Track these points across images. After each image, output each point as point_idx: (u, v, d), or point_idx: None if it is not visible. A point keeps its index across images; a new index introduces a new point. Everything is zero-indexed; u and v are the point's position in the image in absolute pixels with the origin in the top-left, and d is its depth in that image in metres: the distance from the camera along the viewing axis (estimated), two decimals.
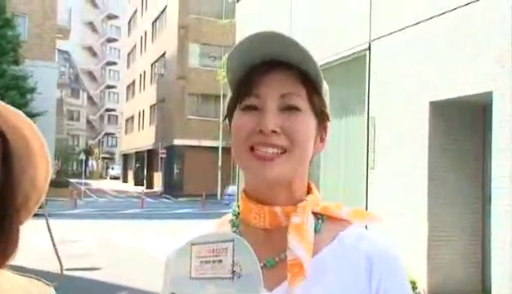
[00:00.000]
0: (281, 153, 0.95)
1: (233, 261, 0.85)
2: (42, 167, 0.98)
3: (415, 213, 7.07)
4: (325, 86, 1.02)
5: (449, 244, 6.97)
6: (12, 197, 0.96)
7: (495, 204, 6.06)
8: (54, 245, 1.29)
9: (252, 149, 0.94)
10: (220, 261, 0.86)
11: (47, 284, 1.17)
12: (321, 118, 1.01)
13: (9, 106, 0.89)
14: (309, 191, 1.02)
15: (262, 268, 0.88)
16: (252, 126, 0.94)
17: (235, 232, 1.01)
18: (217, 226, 1.08)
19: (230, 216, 1.06)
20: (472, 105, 7.01)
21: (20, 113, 0.90)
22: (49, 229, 1.25)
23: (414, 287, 6.65)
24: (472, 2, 6.41)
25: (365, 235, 0.98)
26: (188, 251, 0.89)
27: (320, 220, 1.00)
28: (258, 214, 0.98)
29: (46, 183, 1.00)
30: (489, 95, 6.08)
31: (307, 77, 0.96)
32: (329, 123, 1.04)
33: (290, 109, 0.95)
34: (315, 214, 0.99)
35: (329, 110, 1.03)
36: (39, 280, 1.13)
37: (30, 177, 0.98)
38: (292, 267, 0.92)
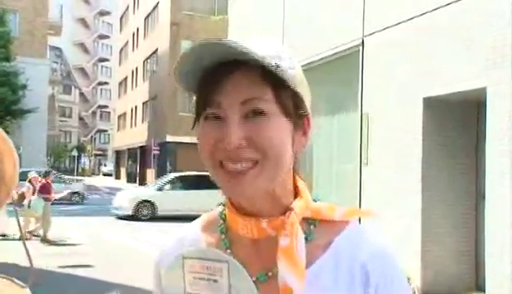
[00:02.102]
0: (253, 165, 0.87)
1: (229, 284, 0.84)
2: (9, 163, 1.00)
3: (409, 209, 7.05)
4: (299, 77, 0.92)
5: (442, 241, 6.97)
6: None
7: (488, 201, 6.04)
8: (23, 239, 1.28)
9: (221, 163, 0.87)
10: (215, 281, 0.85)
11: (20, 286, 1.15)
12: (297, 115, 0.91)
13: None
14: (297, 193, 0.95)
15: (254, 282, 0.86)
16: (216, 138, 0.86)
17: (223, 240, 0.97)
18: (204, 229, 1.02)
19: (215, 217, 1.01)
20: (465, 101, 7.00)
21: None
22: (18, 224, 1.25)
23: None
24: None
25: (360, 241, 0.93)
26: (180, 265, 0.88)
27: (312, 226, 0.94)
28: (245, 225, 0.92)
29: (14, 178, 1.03)
30: (483, 91, 6.06)
31: (271, 76, 0.85)
32: (309, 115, 0.94)
33: (255, 115, 0.86)
34: (306, 219, 0.94)
35: (308, 100, 0.94)
36: (12, 281, 1.11)
37: None
38: (284, 292, 0.87)
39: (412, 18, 7.28)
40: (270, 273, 0.91)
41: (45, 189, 12.68)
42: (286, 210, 0.91)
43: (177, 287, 0.88)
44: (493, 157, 5.96)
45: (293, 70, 0.89)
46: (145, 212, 18.12)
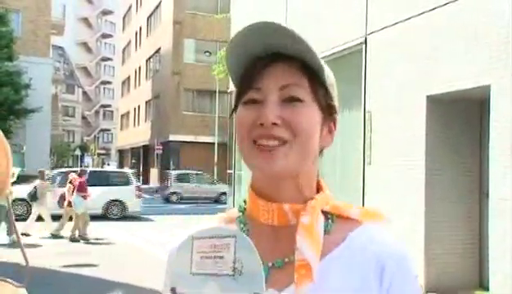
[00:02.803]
0: (283, 144, 0.92)
1: (235, 258, 0.84)
2: (2, 164, 1.02)
3: (412, 208, 7.05)
4: (331, 78, 0.99)
5: (445, 239, 6.96)
6: None
7: (491, 199, 6.04)
8: (19, 239, 1.30)
9: (255, 142, 0.92)
10: (221, 257, 0.86)
11: (16, 286, 1.16)
12: (328, 111, 0.98)
13: None
14: (319, 189, 1.00)
15: (270, 268, 0.92)
16: (253, 119, 0.92)
17: (242, 229, 1.00)
18: (224, 223, 1.05)
19: (236, 212, 1.05)
20: (468, 99, 6.98)
21: None
22: (14, 224, 1.27)
23: None
24: None
25: (375, 237, 0.96)
26: (189, 246, 0.89)
27: (330, 220, 0.98)
28: (267, 211, 0.96)
29: (7, 177, 1.06)
30: (486, 88, 6.05)
31: (309, 69, 0.93)
32: (338, 116, 1.01)
33: (292, 100, 0.93)
34: (325, 213, 0.97)
35: (337, 103, 1.00)
36: (5, 281, 1.12)
37: None
38: (299, 268, 0.90)
39: (415, 16, 7.26)
40: (286, 260, 0.94)
41: (82, 188, 13.07)
42: (308, 200, 0.95)
43: (184, 269, 0.89)
44: (496, 155, 5.95)
45: (326, 70, 0.96)
46: None
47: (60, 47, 55.71)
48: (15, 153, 30.45)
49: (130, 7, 49.84)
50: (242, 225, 1.01)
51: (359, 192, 8.33)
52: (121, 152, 54.06)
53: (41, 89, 31.74)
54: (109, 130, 78.09)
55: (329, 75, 0.98)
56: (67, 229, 12.88)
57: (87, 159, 63.84)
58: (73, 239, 12.50)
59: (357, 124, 8.57)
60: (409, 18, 7.39)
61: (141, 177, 42.34)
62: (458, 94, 6.69)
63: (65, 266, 9.59)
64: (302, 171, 0.95)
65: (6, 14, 29.69)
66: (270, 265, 0.94)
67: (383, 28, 8.00)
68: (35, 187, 13.31)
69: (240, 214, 1.03)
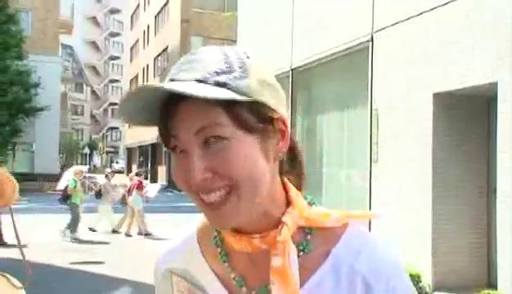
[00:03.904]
0: (229, 192, 0.82)
1: None
2: (8, 187, 1.15)
3: (419, 205, 7.01)
4: (255, 82, 0.84)
5: (453, 237, 6.91)
6: None
7: (499, 196, 5.99)
8: (18, 239, 1.31)
9: (198, 194, 0.83)
10: None
11: (15, 286, 1.18)
12: (265, 123, 0.85)
13: None
14: (289, 203, 0.90)
15: None
16: (185, 171, 0.82)
17: (220, 253, 0.95)
18: (201, 238, 1.00)
19: (209, 227, 0.97)
20: (476, 97, 6.93)
21: None
22: (14, 225, 1.28)
23: (418, 281, 6.60)
24: None
25: (361, 251, 0.88)
26: (169, 279, 0.95)
27: (308, 236, 0.90)
28: (239, 243, 0.90)
29: (12, 193, 1.18)
30: (494, 86, 6.00)
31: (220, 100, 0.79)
32: (283, 116, 0.87)
33: (215, 142, 0.81)
34: (302, 228, 0.90)
35: (275, 102, 0.86)
36: (7, 278, 1.15)
37: None
38: None
39: (422, 13, 7.21)
40: (269, 287, 0.87)
41: (140, 187, 13.85)
42: (279, 223, 0.87)
43: None
44: (504, 152, 5.90)
45: (245, 79, 0.83)
46: None
47: (68, 46, 55.99)
48: (25, 152, 30.72)
49: (138, 6, 49.98)
50: (219, 249, 0.95)
51: (366, 190, 8.30)
52: (129, 150, 54.25)
53: (50, 88, 31.92)
54: (117, 128, 78.40)
55: (249, 82, 0.82)
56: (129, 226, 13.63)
57: (96, 157, 64.18)
58: (128, 235, 13.25)
59: (363, 122, 8.53)
60: (415, 15, 7.34)
61: (149, 175, 42.53)
62: (466, 91, 6.64)
63: (72, 263, 9.65)
64: (260, 205, 0.86)
65: (16, 13, 29.88)
66: (254, 293, 0.90)
67: (389, 26, 7.95)
68: (100, 185, 14.49)
69: (216, 233, 0.96)
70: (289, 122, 0.90)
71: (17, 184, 1.28)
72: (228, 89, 0.80)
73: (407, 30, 7.54)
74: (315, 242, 0.90)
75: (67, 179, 13.11)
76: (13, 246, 11.13)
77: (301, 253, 0.88)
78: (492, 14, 6.08)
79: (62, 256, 10.19)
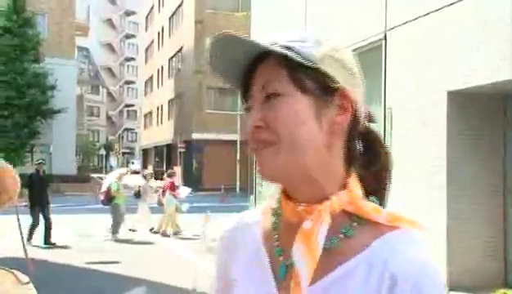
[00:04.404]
0: (269, 145, 0.89)
1: None
2: (11, 181, 1.13)
3: (433, 205, 6.95)
4: (323, 55, 0.90)
5: (468, 237, 6.85)
6: None
7: None
8: (22, 238, 1.34)
9: (253, 146, 0.92)
10: None
11: (22, 282, 1.20)
12: (323, 91, 0.90)
13: None
14: (346, 187, 0.92)
15: (287, 266, 0.92)
16: (247, 126, 0.92)
17: (274, 222, 0.99)
18: (264, 211, 1.04)
19: (274, 203, 1.02)
20: (491, 95, 6.86)
21: None
22: (19, 224, 1.32)
23: None
24: None
25: (397, 251, 0.87)
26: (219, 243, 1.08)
27: (354, 223, 0.91)
28: (288, 209, 0.95)
29: (15, 187, 1.15)
30: (509, 83, 5.94)
31: (285, 59, 0.88)
32: (346, 91, 0.91)
33: (271, 97, 0.89)
34: (349, 215, 0.91)
35: (343, 77, 0.91)
36: (14, 274, 1.16)
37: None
38: (295, 276, 0.88)
39: (436, 10, 7.16)
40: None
41: (173, 188, 14.13)
42: (327, 200, 0.90)
43: None
44: None
45: (312, 49, 0.89)
46: None
47: (84, 48, 56.47)
48: (43, 154, 31.01)
49: (152, 8, 50.26)
50: (274, 218, 1.00)
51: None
52: (145, 151, 54.59)
53: (66, 90, 32.23)
54: (133, 129, 78.94)
55: (317, 53, 0.90)
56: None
57: (112, 158, 64.61)
58: (164, 234, 13.49)
59: (377, 120, 8.49)
60: (429, 13, 7.29)
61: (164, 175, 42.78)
62: (479, 89, 6.58)
63: (87, 263, 9.74)
64: (310, 167, 0.89)
65: (33, 17, 30.23)
66: (287, 263, 0.92)
67: (402, 24, 7.91)
68: (139, 186, 14.91)
69: (277, 206, 1.00)
70: (360, 107, 0.93)
71: (19, 180, 1.25)
72: (293, 52, 0.88)
73: (420, 29, 7.49)
74: (359, 231, 0.90)
75: (109, 181, 13.31)
76: (61, 247, 11.33)
77: (341, 236, 0.90)
78: (508, 11, 6.01)
79: (79, 257, 10.29)
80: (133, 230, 13.83)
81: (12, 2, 29.34)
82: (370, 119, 1.00)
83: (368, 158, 0.97)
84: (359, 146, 0.96)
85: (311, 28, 10.54)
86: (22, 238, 1.42)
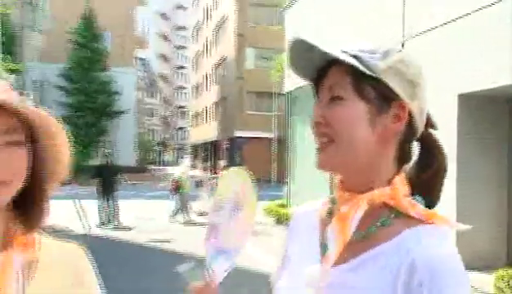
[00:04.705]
0: (329, 142, 0.89)
1: None
2: (64, 146, 1.00)
3: (444, 201, 6.84)
4: (387, 67, 0.88)
5: (476, 226, 6.73)
6: (39, 171, 0.99)
7: None
8: (80, 216, 1.32)
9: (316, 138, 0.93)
10: None
11: (76, 248, 1.14)
12: (381, 100, 0.88)
13: (29, 106, 0.93)
14: (392, 183, 0.89)
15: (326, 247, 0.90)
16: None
17: (330, 208, 0.99)
18: (323, 203, 1.03)
19: (334, 193, 1.00)
20: (497, 97, 6.72)
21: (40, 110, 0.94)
22: (79, 206, 1.30)
23: None
24: (496, 3, 6.15)
25: (423, 241, 0.83)
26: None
27: (392, 215, 0.89)
28: (340, 196, 0.94)
29: (67, 159, 1.02)
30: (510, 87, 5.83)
31: (352, 67, 0.86)
32: (405, 103, 0.88)
33: (334, 99, 0.89)
34: (390, 208, 0.89)
35: (403, 90, 0.88)
36: (69, 242, 1.13)
37: (54, 155, 1.01)
38: (326, 256, 0.89)
39: (448, 23, 7.05)
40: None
41: None
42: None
43: None
44: None
45: (378, 61, 0.87)
46: None
47: (143, 59, 57.40)
48: (109, 149, 31.70)
49: (200, 22, 50.66)
50: (330, 205, 0.99)
51: None
52: (194, 146, 55.13)
53: (128, 94, 32.96)
54: (184, 128, 79.75)
55: (382, 65, 0.87)
56: None
57: (166, 154, 65.47)
58: None
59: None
60: (442, 24, 7.18)
61: (211, 168, 43.08)
62: (487, 92, 6.46)
63: (145, 242, 9.84)
64: (362, 163, 0.88)
65: (101, 33, 31.03)
66: (325, 243, 0.91)
67: (419, 34, 7.82)
68: (201, 178, 15.15)
69: (334, 195, 0.98)
70: (418, 116, 0.90)
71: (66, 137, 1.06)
72: (360, 61, 0.87)
73: (435, 38, 7.39)
74: (395, 222, 0.88)
75: (177, 173, 13.52)
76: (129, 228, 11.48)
77: (378, 224, 0.88)
78: (507, 24, 5.90)
79: (139, 236, 10.42)
80: (203, 214, 13.72)
81: (84, 22, 30.21)
82: (432, 125, 0.97)
83: (425, 161, 0.95)
84: (418, 149, 0.94)
85: (330, 39, 10.51)
86: (80, 216, 1.38)
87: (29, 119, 0.93)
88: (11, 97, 0.91)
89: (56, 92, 30.04)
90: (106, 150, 15.03)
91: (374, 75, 0.86)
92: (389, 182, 0.89)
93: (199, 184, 14.82)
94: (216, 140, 40.98)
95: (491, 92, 6.43)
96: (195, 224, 12.56)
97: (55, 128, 0.98)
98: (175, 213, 12.87)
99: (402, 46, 8.21)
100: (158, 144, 58.90)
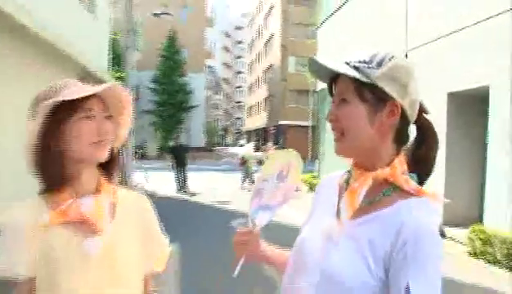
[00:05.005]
0: (341, 135, 0.87)
1: None
2: (127, 115, 1.01)
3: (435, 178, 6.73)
4: (382, 74, 0.83)
5: (459, 192, 6.65)
6: (113, 134, 0.99)
7: (489, 169, 5.72)
8: (146, 179, 1.25)
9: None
10: None
11: (142, 196, 1.10)
12: (378, 101, 0.84)
13: (111, 83, 0.96)
14: (392, 164, 0.86)
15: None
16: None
17: (346, 179, 0.95)
18: (344, 173, 0.98)
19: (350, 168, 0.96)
20: (474, 96, 6.41)
21: (118, 85, 0.97)
22: (145, 174, 1.22)
23: None
24: (483, 20, 5.97)
25: (413, 209, 0.80)
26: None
27: (391, 188, 0.85)
28: (354, 172, 0.91)
29: (128, 125, 1.02)
30: (486, 88, 5.68)
31: (354, 77, 0.84)
32: (397, 102, 0.84)
33: (342, 101, 0.86)
34: (389, 183, 0.86)
35: (396, 92, 0.83)
36: (142, 196, 1.09)
37: (119, 122, 1.02)
38: (341, 218, 0.87)
39: (444, 36, 6.88)
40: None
41: None
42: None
43: None
44: (493, 140, 5.60)
45: (374, 70, 0.83)
46: None
47: (211, 66, 57.93)
48: (185, 134, 32.62)
49: (254, 38, 50.57)
50: (347, 175, 0.95)
51: None
52: (249, 132, 55.44)
53: (199, 93, 33.52)
54: (241, 118, 79.93)
55: (377, 72, 0.83)
56: None
57: (227, 137, 65.79)
58: None
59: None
60: (439, 37, 6.97)
61: (259, 149, 43.16)
62: (469, 92, 6.31)
63: (211, 202, 9.52)
64: (366, 150, 0.86)
65: (181, 49, 31.77)
66: (340, 207, 0.89)
67: (418, 47, 7.66)
68: (261, 156, 14.08)
69: (350, 169, 0.94)
70: (410, 109, 0.85)
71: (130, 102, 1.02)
72: (358, 71, 0.83)
73: (434, 49, 7.23)
74: (394, 194, 0.86)
75: (243, 153, 13.47)
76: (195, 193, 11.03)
77: (381, 194, 0.86)
78: (495, 31, 5.74)
79: (203, 199, 10.08)
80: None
81: (169, 41, 31.08)
82: (424, 111, 0.91)
83: (421, 139, 0.90)
84: (415, 131, 0.90)
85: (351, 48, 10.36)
86: (146, 182, 1.26)
87: (112, 101, 0.97)
88: (102, 87, 0.93)
89: (148, 92, 31.19)
90: (176, 135, 15.27)
91: (370, 82, 0.84)
92: (390, 163, 0.86)
93: (260, 162, 14.63)
94: (265, 127, 41.14)
95: (472, 92, 6.27)
96: None
97: (127, 105, 1.00)
98: (243, 181, 12.76)
99: (406, 56, 8.05)
100: (221, 130, 59.25)
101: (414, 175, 0.87)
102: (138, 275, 1.02)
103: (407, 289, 0.74)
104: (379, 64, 0.84)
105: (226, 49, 77.37)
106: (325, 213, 0.92)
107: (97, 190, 0.98)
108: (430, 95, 7.06)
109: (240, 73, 79.97)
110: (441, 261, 0.76)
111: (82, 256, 0.92)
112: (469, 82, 6.16)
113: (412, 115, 0.87)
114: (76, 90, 0.92)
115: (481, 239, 5.20)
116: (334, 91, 0.90)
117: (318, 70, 0.89)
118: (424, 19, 7.44)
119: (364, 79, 0.83)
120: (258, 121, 45.53)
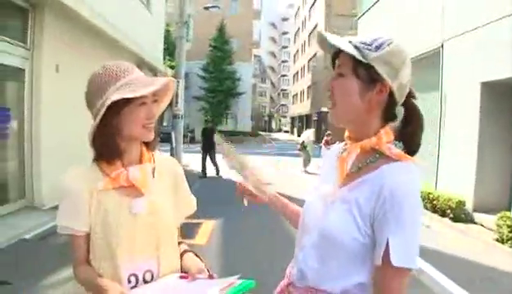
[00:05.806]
0: (333, 105, 0.88)
1: None
2: (168, 98, 1.09)
3: (468, 160, 6.49)
4: (378, 56, 0.84)
5: (490, 180, 6.40)
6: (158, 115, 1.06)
7: None
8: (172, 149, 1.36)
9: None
10: None
11: (175, 160, 1.18)
12: (370, 80, 0.85)
13: (166, 78, 1.04)
14: (378, 134, 0.87)
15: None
16: None
17: (343, 148, 0.97)
18: (344, 144, 0.99)
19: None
20: (506, 85, 6.07)
21: (171, 79, 1.06)
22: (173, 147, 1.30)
23: (463, 204, 6.27)
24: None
25: (393, 172, 0.82)
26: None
27: (377, 155, 0.87)
28: (348, 142, 0.94)
29: (166, 105, 1.11)
30: None
31: (353, 55, 0.85)
32: (386, 82, 0.84)
33: (340, 75, 0.87)
34: (376, 151, 0.88)
35: (387, 73, 0.84)
36: (173, 159, 1.17)
37: (160, 103, 1.09)
38: (335, 182, 0.90)
39: (479, 27, 6.55)
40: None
41: (326, 143, 12.63)
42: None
43: None
44: None
45: (372, 52, 0.83)
46: None
47: (257, 56, 57.71)
48: (232, 119, 33.13)
49: (298, 29, 49.73)
50: (345, 146, 0.96)
51: (435, 155, 7.57)
52: (292, 118, 55.10)
53: (246, 81, 33.63)
54: (285, 104, 79.53)
55: (374, 54, 0.83)
56: None
57: (273, 123, 65.67)
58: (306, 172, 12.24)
59: (435, 103, 7.99)
60: (475, 28, 6.68)
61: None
62: (503, 81, 6.00)
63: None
64: (354, 121, 0.87)
65: (230, 39, 32.04)
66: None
67: (454, 37, 7.34)
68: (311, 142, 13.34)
69: (346, 140, 0.96)
70: (398, 91, 0.85)
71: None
72: (358, 50, 0.84)
73: (469, 39, 6.92)
74: (379, 160, 0.87)
75: (303, 138, 13.19)
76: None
77: (368, 161, 0.88)
78: None
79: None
80: (307, 172, 12.34)
81: (218, 32, 31.41)
82: (413, 95, 0.92)
83: (407, 120, 0.91)
84: (402, 112, 0.90)
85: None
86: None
87: (160, 87, 1.02)
88: (160, 84, 1.00)
89: (199, 80, 31.86)
90: (206, 118, 15.14)
91: (367, 62, 0.84)
92: (376, 133, 0.88)
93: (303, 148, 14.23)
94: (308, 114, 40.77)
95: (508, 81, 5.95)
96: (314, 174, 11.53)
97: (170, 91, 1.06)
98: (304, 165, 12.62)
99: (442, 46, 7.75)
100: (267, 116, 59.28)
101: (398, 143, 0.88)
102: (175, 229, 1.09)
103: (387, 244, 0.77)
104: (378, 48, 0.84)
105: (273, 39, 76.62)
106: (326, 181, 0.95)
107: (140, 161, 1.06)
108: (464, 84, 6.89)
109: (285, 61, 79.10)
110: (420, 218, 0.78)
111: (131, 215, 1.00)
112: (502, 71, 5.86)
113: (400, 97, 0.87)
114: (140, 85, 0.97)
115: (508, 226, 5.04)
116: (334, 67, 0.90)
117: (325, 44, 0.89)
118: (461, 10, 7.10)
119: (360, 58, 0.84)
120: (301, 108, 45.13)
